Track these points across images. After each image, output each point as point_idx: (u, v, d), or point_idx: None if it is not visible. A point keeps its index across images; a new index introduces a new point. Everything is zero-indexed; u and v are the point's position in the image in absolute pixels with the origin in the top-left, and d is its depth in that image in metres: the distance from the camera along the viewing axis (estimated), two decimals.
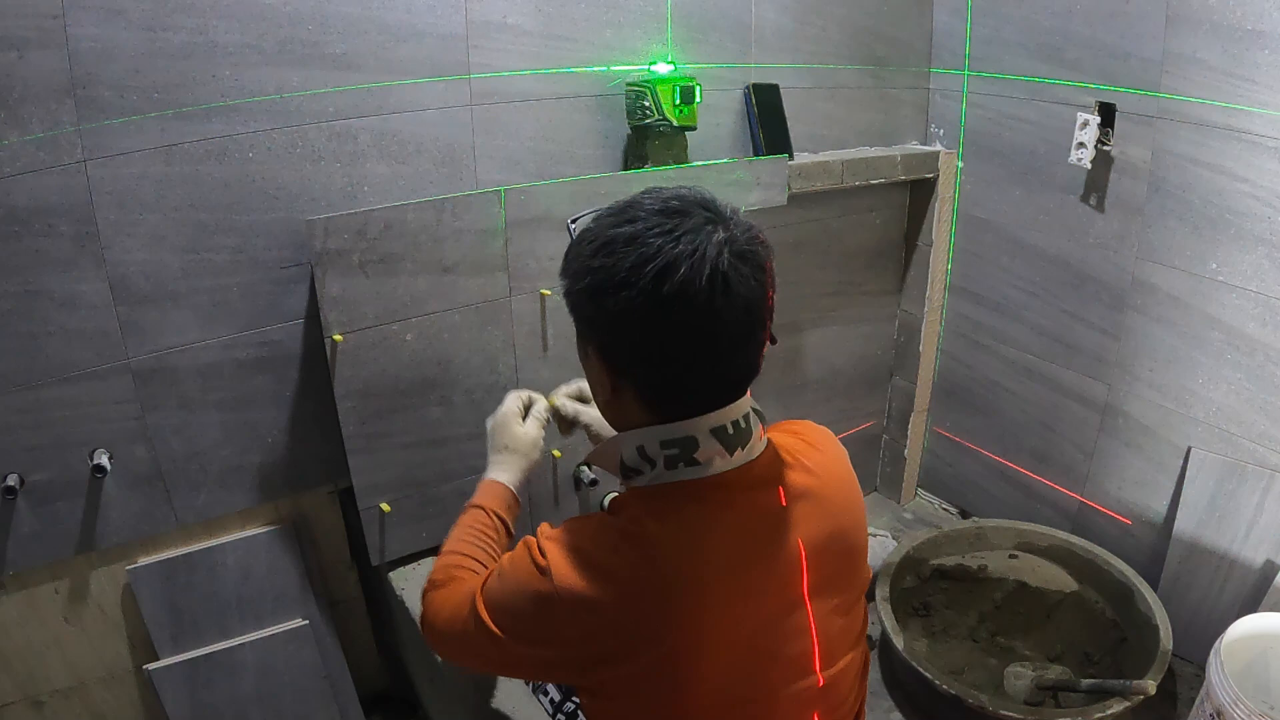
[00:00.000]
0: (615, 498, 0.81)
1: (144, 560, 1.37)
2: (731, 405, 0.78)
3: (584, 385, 1.12)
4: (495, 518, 1.02)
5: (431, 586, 0.94)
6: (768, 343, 0.80)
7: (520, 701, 1.30)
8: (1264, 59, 1.46)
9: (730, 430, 0.78)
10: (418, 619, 0.98)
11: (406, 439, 1.41)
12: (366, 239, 1.25)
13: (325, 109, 1.29)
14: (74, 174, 1.14)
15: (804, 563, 0.82)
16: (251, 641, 1.47)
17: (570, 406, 1.14)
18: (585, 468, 1.56)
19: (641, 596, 0.75)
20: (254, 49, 1.21)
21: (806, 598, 0.82)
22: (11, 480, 1.20)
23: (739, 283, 0.72)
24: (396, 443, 1.40)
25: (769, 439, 0.85)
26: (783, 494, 0.81)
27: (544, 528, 0.83)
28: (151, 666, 1.40)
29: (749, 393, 0.81)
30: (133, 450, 1.30)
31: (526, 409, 1.14)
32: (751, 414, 0.81)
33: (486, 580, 0.85)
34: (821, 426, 0.94)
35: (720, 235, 0.72)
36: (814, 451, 0.87)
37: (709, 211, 0.74)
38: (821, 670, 0.84)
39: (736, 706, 0.80)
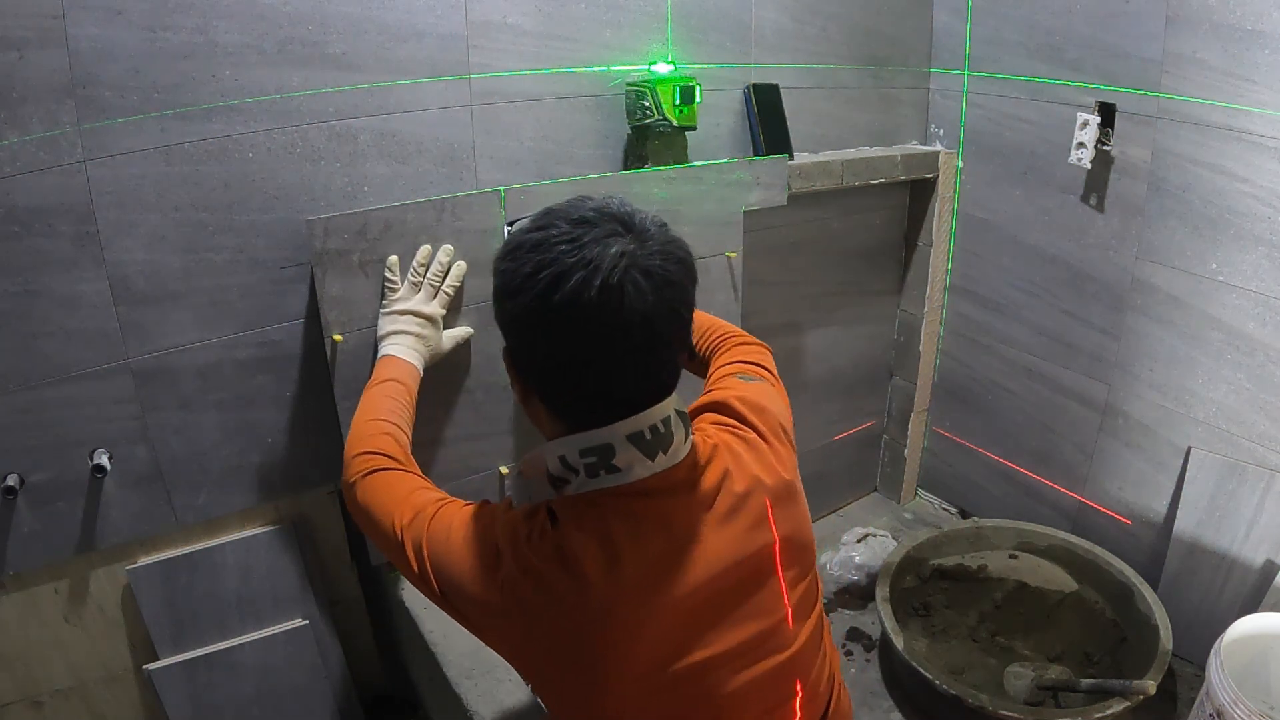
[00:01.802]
0: (552, 505, 0.81)
1: (144, 560, 1.37)
2: (648, 411, 0.78)
3: None
4: (410, 396, 1.14)
5: (365, 461, 0.98)
6: (684, 357, 0.81)
7: (520, 702, 1.31)
8: (1264, 59, 1.46)
9: (648, 435, 0.78)
10: (343, 479, 1.02)
11: None
12: (366, 239, 1.25)
13: (325, 109, 1.29)
14: (74, 174, 1.14)
15: (776, 542, 0.84)
16: (251, 641, 1.47)
17: None
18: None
19: (571, 614, 0.76)
20: (254, 49, 1.21)
21: (780, 574, 0.85)
22: (11, 480, 1.20)
23: (635, 297, 0.72)
24: None
25: (702, 436, 0.86)
26: (717, 492, 0.83)
27: (505, 512, 0.84)
28: (151, 666, 1.41)
29: (673, 394, 0.82)
30: (133, 450, 1.30)
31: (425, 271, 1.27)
32: (674, 416, 0.80)
33: (432, 524, 0.85)
34: (761, 403, 0.95)
35: (619, 248, 0.72)
36: (749, 448, 0.88)
37: (622, 225, 0.74)
38: (790, 643, 0.87)
39: (692, 699, 0.81)
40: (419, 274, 1.25)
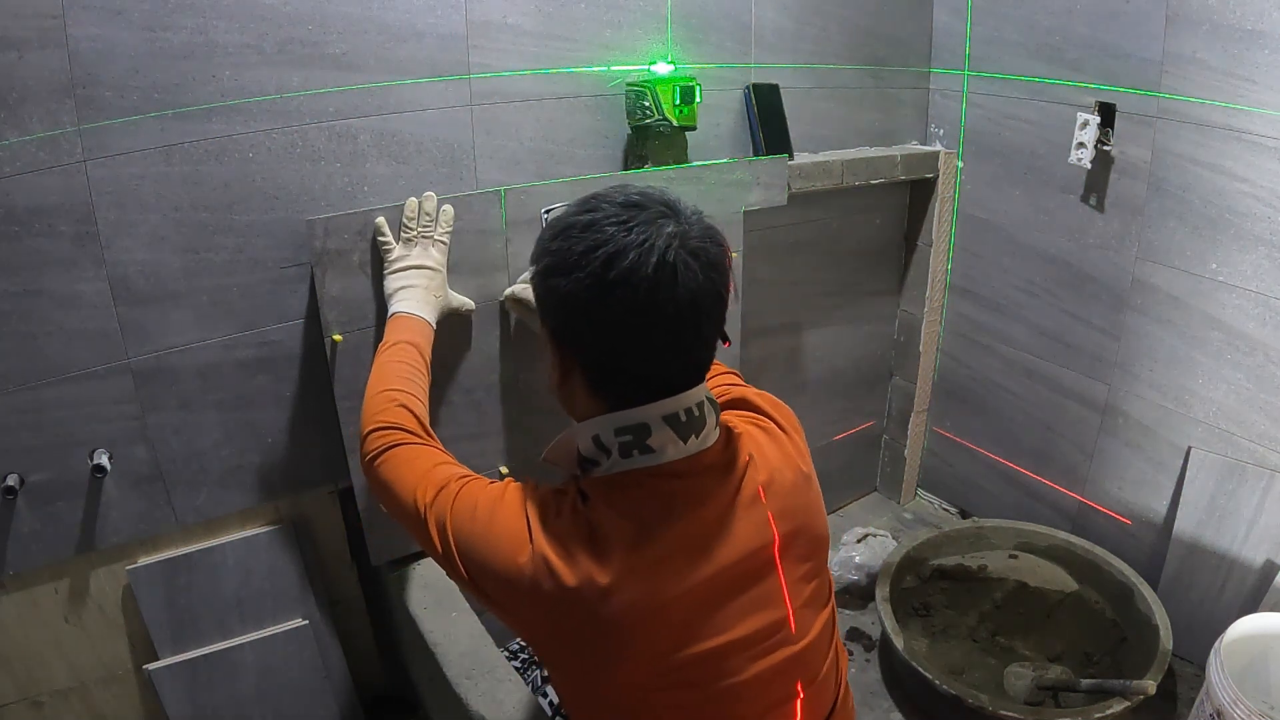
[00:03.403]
0: (582, 485, 0.83)
1: (144, 560, 1.37)
2: (683, 394, 0.80)
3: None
4: (424, 357, 1.13)
5: (382, 437, 0.98)
6: (722, 342, 0.83)
7: (520, 702, 1.30)
8: (1264, 59, 1.46)
9: (683, 418, 0.80)
10: (361, 456, 1.01)
11: None
12: (366, 239, 1.25)
13: (325, 109, 1.29)
14: (74, 174, 1.14)
15: (775, 540, 0.85)
16: (251, 641, 1.47)
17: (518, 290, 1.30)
18: None
19: (595, 591, 0.77)
20: (254, 49, 1.21)
21: (780, 570, 0.85)
22: (11, 480, 1.20)
23: (685, 275, 0.75)
24: None
25: (727, 425, 0.88)
26: (742, 478, 0.84)
27: (534, 489, 0.84)
28: (151, 666, 1.40)
29: (704, 382, 0.84)
30: (133, 450, 1.30)
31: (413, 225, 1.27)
32: (705, 403, 0.82)
33: (456, 502, 0.85)
34: (777, 401, 0.98)
35: (672, 229, 0.76)
36: (770, 439, 0.90)
37: (667, 208, 0.78)
38: (797, 638, 0.87)
39: (700, 686, 0.82)
40: (410, 229, 1.25)
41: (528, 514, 0.81)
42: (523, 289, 1.32)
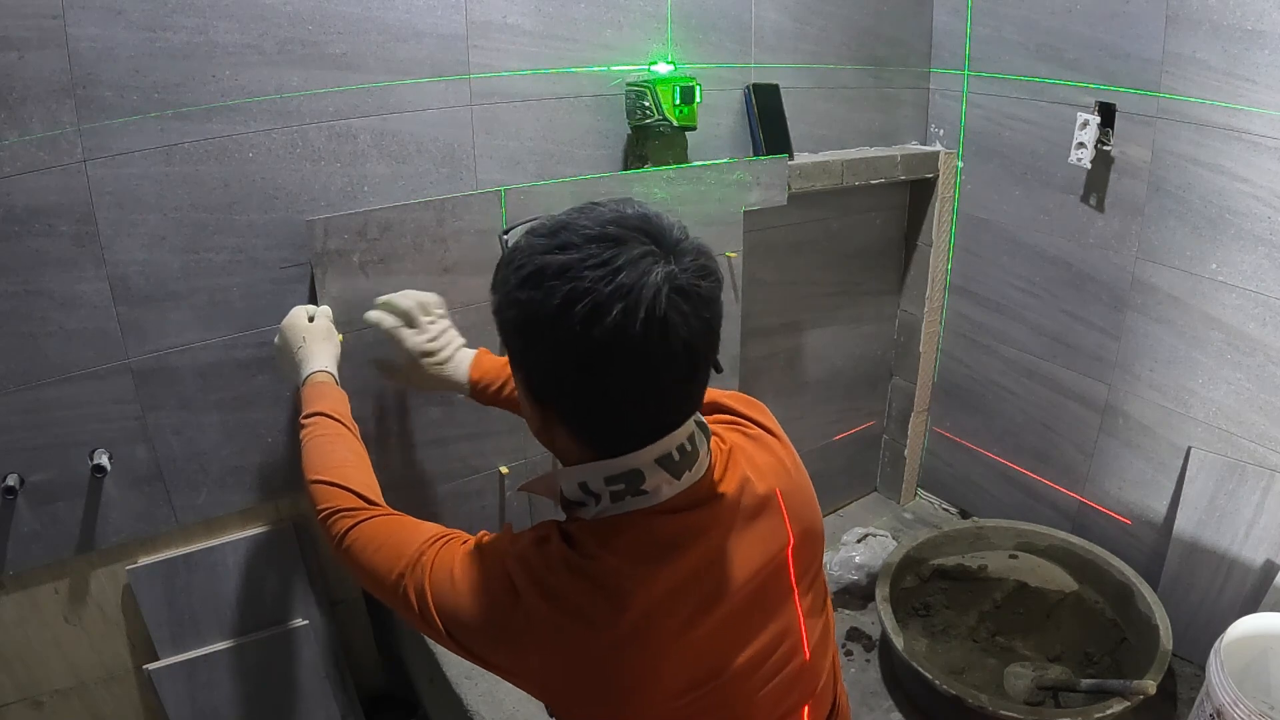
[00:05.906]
0: (567, 529, 0.78)
1: (144, 560, 1.37)
2: (676, 432, 0.74)
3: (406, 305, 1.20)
4: (344, 423, 1.07)
5: (343, 521, 0.91)
6: (715, 371, 0.77)
7: (520, 702, 1.31)
8: (1264, 59, 1.46)
9: (677, 456, 0.75)
10: (330, 542, 0.94)
11: (407, 439, 1.42)
12: (366, 239, 1.26)
13: (325, 109, 1.29)
14: (74, 174, 1.14)
15: (790, 555, 0.83)
16: (251, 641, 1.47)
17: (383, 320, 1.20)
18: None
19: (606, 639, 0.73)
20: (254, 49, 1.21)
21: (794, 586, 0.83)
22: (11, 480, 1.20)
23: (678, 324, 0.67)
24: (397, 443, 1.40)
25: (717, 441, 0.83)
26: (740, 498, 0.80)
27: (511, 544, 0.80)
28: (151, 666, 1.41)
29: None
30: (133, 450, 1.30)
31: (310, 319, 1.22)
32: (696, 433, 0.77)
33: (434, 570, 0.81)
34: (747, 398, 0.94)
35: (660, 271, 0.66)
36: (759, 446, 0.87)
37: (651, 239, 0.68)
38: (806, 646, 0.85)
39: (722, 710, 0.80)
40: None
41: (511, 572, 0.76)
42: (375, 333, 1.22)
